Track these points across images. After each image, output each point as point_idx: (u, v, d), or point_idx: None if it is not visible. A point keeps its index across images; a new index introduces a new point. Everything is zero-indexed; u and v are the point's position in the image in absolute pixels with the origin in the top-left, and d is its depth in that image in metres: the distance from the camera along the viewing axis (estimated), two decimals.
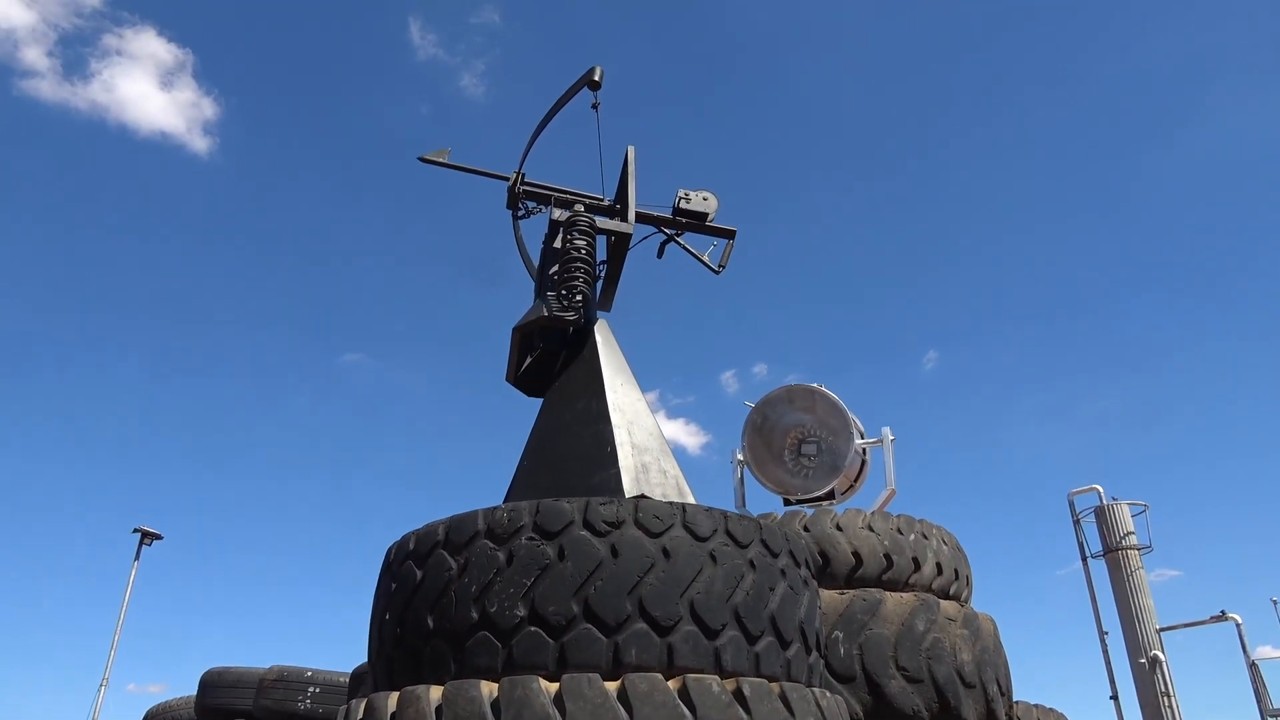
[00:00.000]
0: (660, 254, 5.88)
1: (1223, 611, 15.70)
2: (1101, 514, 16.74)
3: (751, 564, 3.35)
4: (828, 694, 3.35)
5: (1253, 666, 15.40)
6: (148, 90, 45.04)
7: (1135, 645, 15.66)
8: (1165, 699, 14.99)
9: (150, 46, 46.24)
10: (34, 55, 42.06)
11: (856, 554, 5.33)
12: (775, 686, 3.11)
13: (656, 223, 5.77)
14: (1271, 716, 15.07)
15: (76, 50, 44.19)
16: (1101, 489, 16.96)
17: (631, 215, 5.32)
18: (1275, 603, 16.90)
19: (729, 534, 3.37)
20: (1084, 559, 16.83)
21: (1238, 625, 15.45)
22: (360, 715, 3.29)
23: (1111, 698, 15.65)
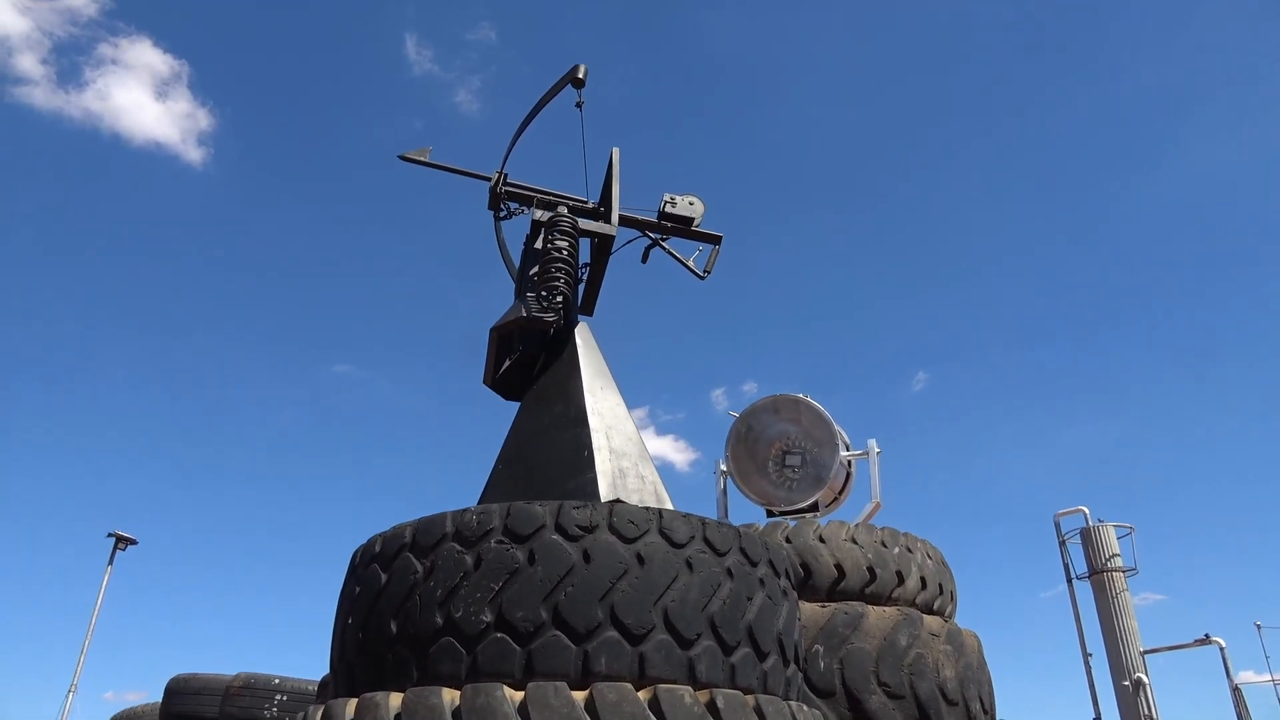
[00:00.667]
0: (645, 259, 5.79)
1: (1207, 635, 15.61)
2: (1087, 535, 16.68)
3: (729, 572, 3.24)
4: (805, 708, 3.23)
5: (1236, 691, 15.32)
6: (142, 100, 44.80)
7: (1119, 668, 15.57)
8: None
9: (146, 56, 46.09)
10: (28, 63, 41.82)
11: (839, 566, 5.22)
12: (750, 699, 2.99)
13: (641, 226, 5.68)
14: None
15: (71, 59, 43.97)
16: (1088, 510, 16.91)
17: (615, 217, 5.23)
18: (1259, 627, 16.86)
19: (706, 541, 3.26)
20: (1069, 580, 16.77)
21: (1221, 649, 15.38)
22: None
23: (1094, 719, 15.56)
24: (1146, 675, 15.28)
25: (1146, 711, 14.94)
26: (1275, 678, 15.84)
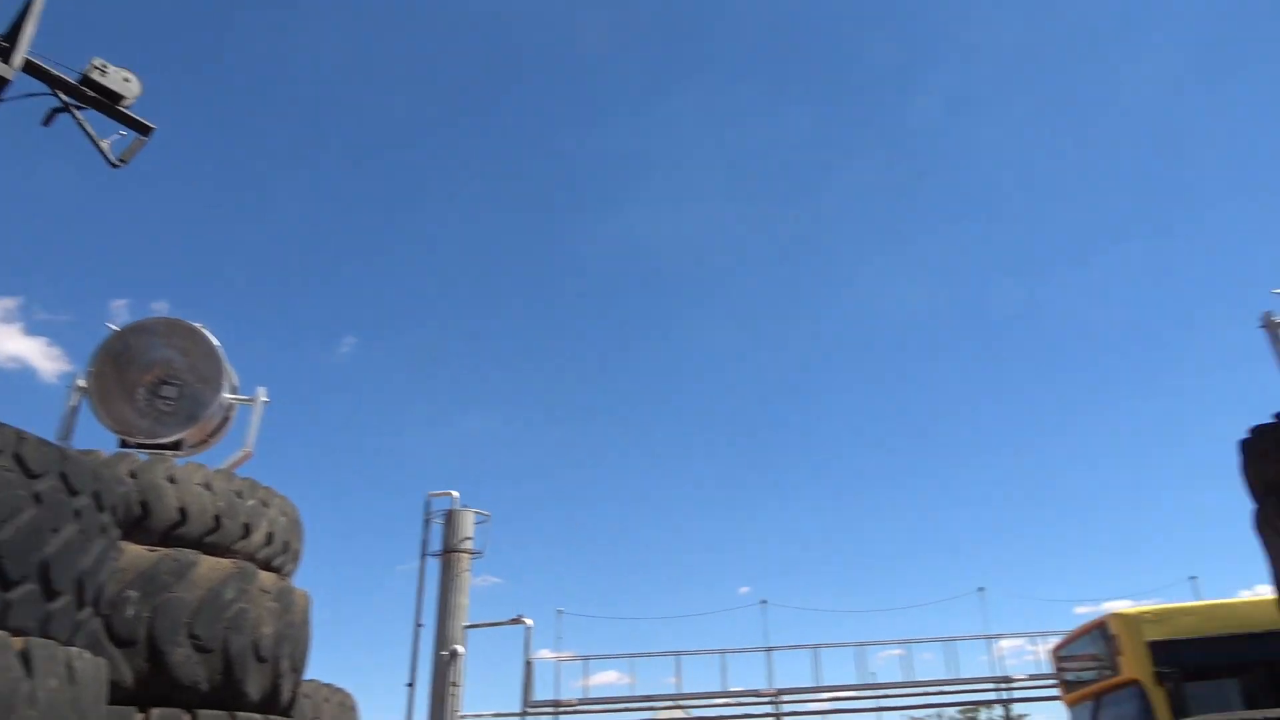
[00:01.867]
0: (48, 121, 4.88)
1: (519, 616, 18.33)
2: (450, 517, 18.37)
3: (38, 498, 2.87)
4: (87, 654, 2.99)
5: (528, 664, 18.17)
6: None
7: (444, 639, 17.39)
8: (453, 688, 16.85)
9: None
10: None
11: (183, 510, 4.94)
12: (20, 641, 2.67)
13: (54, 83, 4.77)
14: (530, 708, 17.91)
15: None
16: (457, 494, 18.62)
17: (19, 60, 4.31)
18: (560, 613, 20.32)
19: (18, 458, 2.85)
20: (423, 555, 18.26)
21: (527, 628, 18.17)
22: None
23: (408, 684, 17.07)
24: (463, 647, 17.28)
25: (453, 679, 16.89)
26: (561, 655, 19.16)
